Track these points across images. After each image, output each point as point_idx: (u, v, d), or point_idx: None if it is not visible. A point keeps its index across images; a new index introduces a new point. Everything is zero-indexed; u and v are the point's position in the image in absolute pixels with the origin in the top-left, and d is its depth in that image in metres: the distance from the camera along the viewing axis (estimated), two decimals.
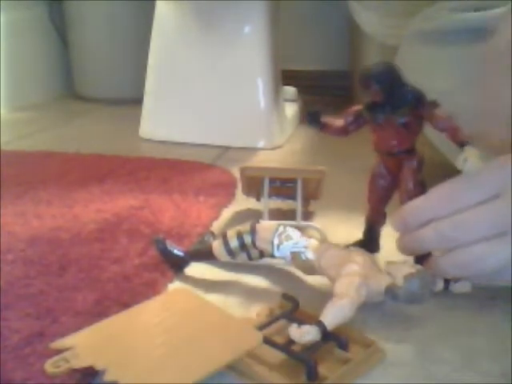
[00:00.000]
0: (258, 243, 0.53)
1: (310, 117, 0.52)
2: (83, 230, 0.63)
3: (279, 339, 0.43)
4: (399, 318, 0.48)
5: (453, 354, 0.43)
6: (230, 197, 0.76)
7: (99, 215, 0.67)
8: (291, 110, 1.16)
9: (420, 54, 0.65)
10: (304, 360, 0.40)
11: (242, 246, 0.53)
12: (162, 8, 1.06)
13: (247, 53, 1.01)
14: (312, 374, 0.39)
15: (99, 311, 0.47)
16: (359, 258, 0.48)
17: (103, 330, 0.42)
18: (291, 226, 0.56)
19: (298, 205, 0.62)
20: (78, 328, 0.43)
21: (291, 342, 0.42)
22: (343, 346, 0.42)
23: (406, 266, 0.46)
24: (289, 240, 0.51)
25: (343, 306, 0.43)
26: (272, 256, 0.52)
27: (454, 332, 0.46)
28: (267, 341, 0.42)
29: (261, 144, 1.01)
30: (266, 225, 0.53)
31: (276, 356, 0.41)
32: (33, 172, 0.86)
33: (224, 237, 0.54)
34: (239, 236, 0.53)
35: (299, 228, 0.55)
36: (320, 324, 0.42)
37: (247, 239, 0.53)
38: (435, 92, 0.63)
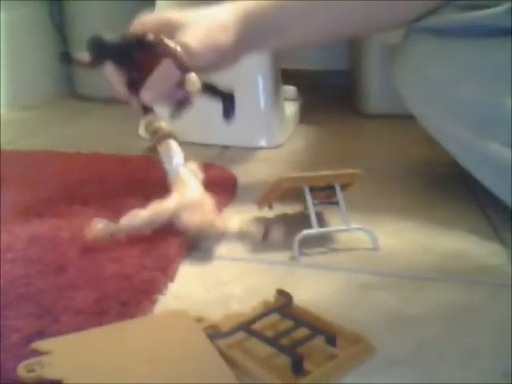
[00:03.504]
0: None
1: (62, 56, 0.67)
2: (83, 229, 0.63)
3: (270, 333, 0.44)
4: (399, 317, 0.48)
5: (453, 354, 0.43)
6: (230, 196, 0.76)
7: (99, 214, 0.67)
8: (291, 108, 1.16)
9: (428, 46, 0.66)
10: (290, 354, 0.40)
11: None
12: (162, 8, 1.05)
13: None
14: (297, 368, 0.39)
15: (99, 310, 0.47)
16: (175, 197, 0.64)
17: (85, 342, 0.41)
18: (340, 231, 0.62)
19: (342, 209, 0.62)
20: (77, 327, 0.43)
21: (280, 335, 0.43)
22: (331, 342, 0.42)
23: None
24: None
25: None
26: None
27: (455, 331, 0.46)
28: (256, 334, 0.43)
29: (261, 143, 1.01)
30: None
31: (264, 349, 0.42)
32: (33, 172, 0.86)
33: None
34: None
35: (348, 231, 0.60)
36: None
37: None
38: (439, 82, 0.65)
